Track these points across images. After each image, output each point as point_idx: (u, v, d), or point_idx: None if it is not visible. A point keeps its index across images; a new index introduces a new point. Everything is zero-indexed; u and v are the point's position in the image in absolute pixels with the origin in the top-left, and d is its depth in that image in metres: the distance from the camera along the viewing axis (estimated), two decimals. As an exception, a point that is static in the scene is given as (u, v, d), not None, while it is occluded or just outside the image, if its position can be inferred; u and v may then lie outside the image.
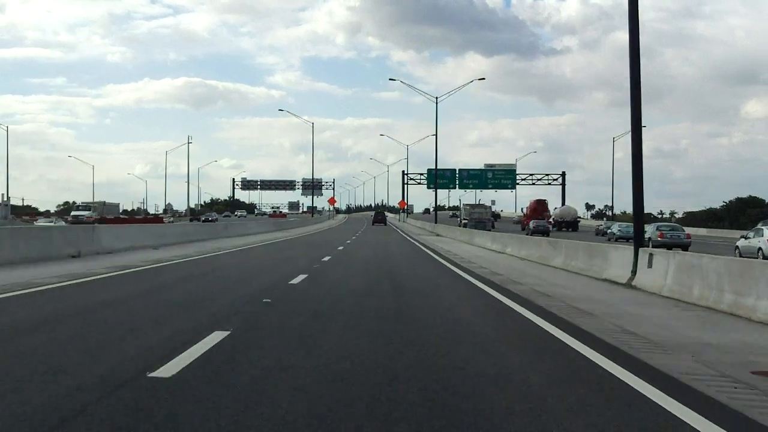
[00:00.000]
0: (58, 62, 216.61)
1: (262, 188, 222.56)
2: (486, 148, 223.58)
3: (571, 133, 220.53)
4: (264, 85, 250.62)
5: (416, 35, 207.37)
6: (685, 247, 37.83)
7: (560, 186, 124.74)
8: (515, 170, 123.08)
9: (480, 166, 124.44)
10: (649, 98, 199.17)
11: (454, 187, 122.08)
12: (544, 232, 61.50)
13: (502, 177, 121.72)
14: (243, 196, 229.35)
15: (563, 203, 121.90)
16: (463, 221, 79.40)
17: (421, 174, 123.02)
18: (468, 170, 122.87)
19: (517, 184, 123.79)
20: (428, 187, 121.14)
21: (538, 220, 69.83)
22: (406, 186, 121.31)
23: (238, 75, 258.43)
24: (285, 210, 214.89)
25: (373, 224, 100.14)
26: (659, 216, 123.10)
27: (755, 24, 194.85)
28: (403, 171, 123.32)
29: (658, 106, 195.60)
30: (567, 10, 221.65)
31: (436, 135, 72.32)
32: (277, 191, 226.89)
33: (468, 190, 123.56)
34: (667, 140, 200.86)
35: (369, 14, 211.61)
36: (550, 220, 77.58)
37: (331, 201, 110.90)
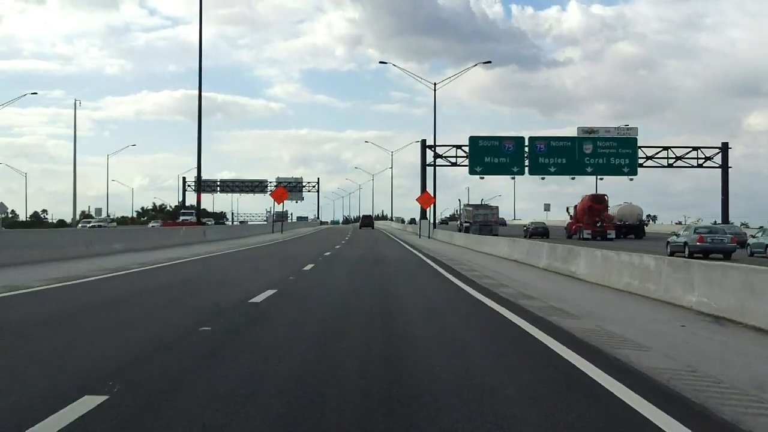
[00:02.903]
0: (56, 74, 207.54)
1: (222, 190, 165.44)
2: None
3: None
4: (263, 98, 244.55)
5: (417, 47, 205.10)
6: (728, 254, 31.40)
7: (719, 169, 66.29)
8: (636, 141, 64.94)
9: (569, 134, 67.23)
10: (651, 110, 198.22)
11: (521, 172, 64.04)
12: (543, 235, 57.63)
13: (613, 153, 63.79)
14: (213, 203, 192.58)
15: (725, 197, 64.56)
16: (465, 224, 68.50)
17: (460, 146, 64.78)
18: (548, 140, 64.82)
19: (641, 165, 65.51)
20: (471, 172, 63.31)
21: (593, 222, 57.17)
22: (433, 170, 63.17)
23: (236, 87, 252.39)
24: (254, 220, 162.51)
25: (360, 228, 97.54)
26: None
27: (758, 36, 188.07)
28: (424, 141, 65.17)
29: (659, 118, 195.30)
30: (568, 21, 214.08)
31: None
32: (246, 194, 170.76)
33: (548, 177, 64.88)
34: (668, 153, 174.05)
35: (369, 26, 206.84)
36: (612, 222, 58.60)
37: (277, 194, 53.09)
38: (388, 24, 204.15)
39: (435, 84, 58.40)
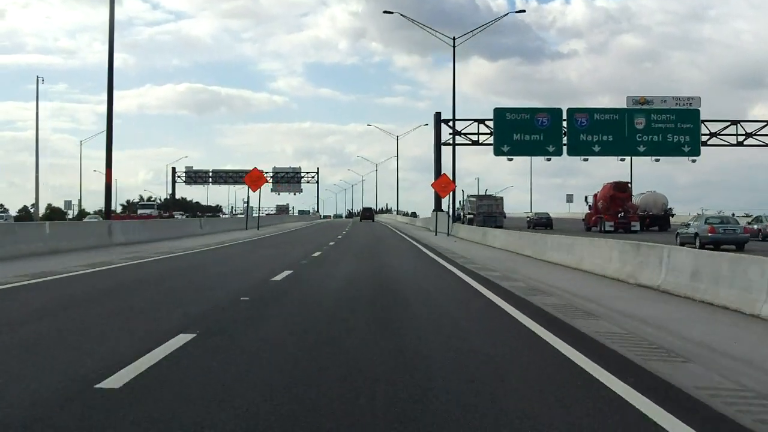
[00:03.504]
0: (59, 68, 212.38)
1: (215, 182, 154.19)
2: (489, 153, 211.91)
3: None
4: (266, 91, 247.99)
5: (420, 40, 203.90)
6: (740, 245, 30.25)
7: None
8: (698, 114, 52.84)
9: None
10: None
11: (558, 152, 52.15)
12: (547, 226, 58.38)
13: (671, 129, 52.10)
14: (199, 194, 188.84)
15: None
16: (468, 216, 64.10)
17: (483, 121, 52.70)
18: (591, 112, 52.76)
19: (705, 144, 53.43)
20: (497, 152, 51.58)
21: (616, 212, 52.37)
22: (452, 149, 51.06)
23: (240, 81, 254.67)
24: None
25: (361, 220, 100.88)
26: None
27: (762, 28, 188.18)
28: (439, 115, 53.17)
29: None
30: (573, 13, 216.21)
31: None
32: (241, 186, 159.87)
33: (591, 158, 52.65)
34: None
35: (372, 19, 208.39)
36: (635, 213, 53.95)
37: (251, 179, 40.75)
38: (392, 17, 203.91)
39: (454, 39, 46.26)
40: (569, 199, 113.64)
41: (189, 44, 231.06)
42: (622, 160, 54.18)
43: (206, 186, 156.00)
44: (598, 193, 56.16)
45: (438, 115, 53.03)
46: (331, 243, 30.51)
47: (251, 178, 40.92)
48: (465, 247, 28.48)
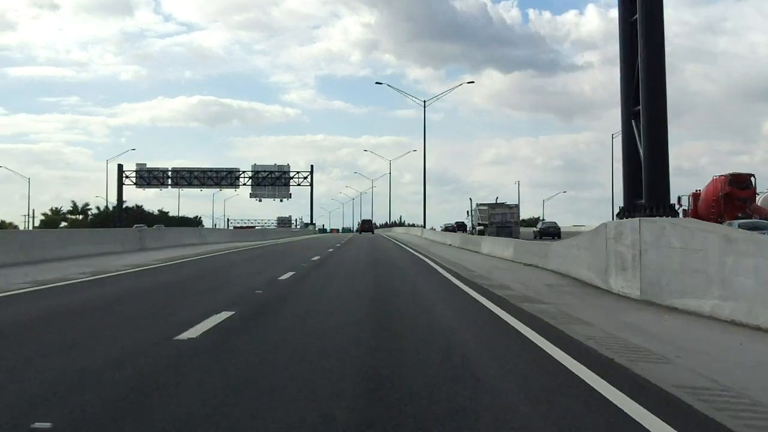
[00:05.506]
0: (71, 81, 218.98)
1: (176, 184, 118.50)
2: (503, 166, 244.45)
3: (590, 151, 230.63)
4: (279, 103, 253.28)
5: (434, 52, 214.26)
6: None
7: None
8: None
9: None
10: (669, 115, 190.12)
11: None
12: (554, 235, 52.43)
13: None
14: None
15: None
16: (478, 227, 62.53)
17: None
18: None
19: None
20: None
21: (735, 218, 39.73)
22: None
23: (252, 93, 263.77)
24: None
25: (360, 233, 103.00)
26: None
27: None
28: None
29: (677, 124, 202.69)
30: (587, 25, 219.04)
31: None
32: (208, 189, 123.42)
33: None
34: (686, 158, 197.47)
35: (385, 31, 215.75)
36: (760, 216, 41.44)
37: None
38: (405, 29, 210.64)
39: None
40: (681, 203, 78.11)
41: (201, 56, 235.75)
42: None
43: (160, 188, 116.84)
44: (700, 192, 45.54)
45: None
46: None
47: None
48: None
